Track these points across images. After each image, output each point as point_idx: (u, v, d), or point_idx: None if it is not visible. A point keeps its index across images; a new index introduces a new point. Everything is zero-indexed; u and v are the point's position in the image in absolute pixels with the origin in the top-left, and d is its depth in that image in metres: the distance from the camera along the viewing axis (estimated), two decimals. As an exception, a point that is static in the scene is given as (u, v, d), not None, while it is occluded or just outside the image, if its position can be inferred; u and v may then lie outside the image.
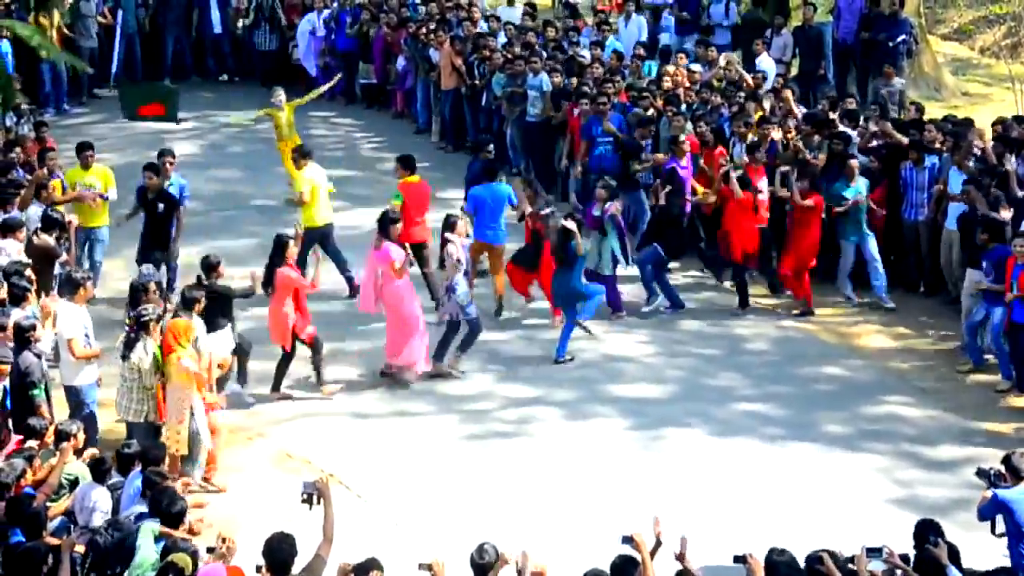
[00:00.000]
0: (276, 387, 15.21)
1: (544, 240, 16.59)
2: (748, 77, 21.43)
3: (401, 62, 24.89)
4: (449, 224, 15.87)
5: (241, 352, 15.02)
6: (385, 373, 15.66)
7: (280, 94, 20.72)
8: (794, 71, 23.56)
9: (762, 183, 17.64)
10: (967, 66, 27.31)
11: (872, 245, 17.47)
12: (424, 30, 24.14)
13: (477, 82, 22.80)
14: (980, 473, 11.12)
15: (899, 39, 22.62)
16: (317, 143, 23.71)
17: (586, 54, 22.29)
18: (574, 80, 21.00)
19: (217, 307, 14.28)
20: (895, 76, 21.01)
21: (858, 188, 17.35)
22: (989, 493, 10.88)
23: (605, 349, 16.36)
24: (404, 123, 25.30)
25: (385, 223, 15.56)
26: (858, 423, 14.82)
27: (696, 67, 21.80)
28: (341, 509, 10.31)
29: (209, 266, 14.69)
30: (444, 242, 15.85)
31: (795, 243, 17.43)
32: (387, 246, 15.38)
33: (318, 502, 9.84)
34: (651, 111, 19.78)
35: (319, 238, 17.11)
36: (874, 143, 18.39)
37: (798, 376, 15.94)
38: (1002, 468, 11.01)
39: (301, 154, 17.81)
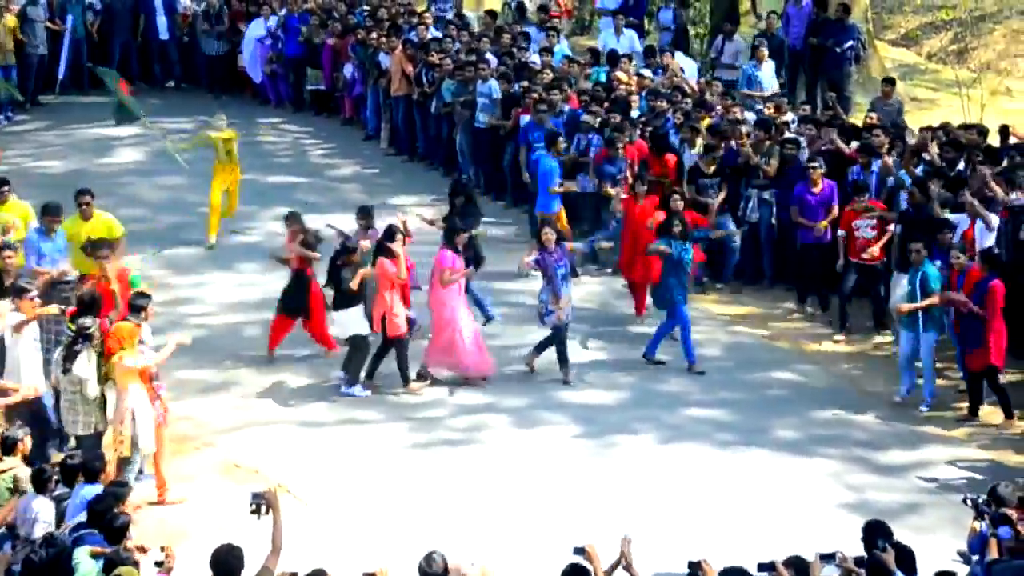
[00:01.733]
0: (405, 381, 15.53)
1: (311, 280, 15.99)
2: (692, 83, 21.47)
3: (349, 69, 24.76)
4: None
5: (358, 345, 15.36)
6: (421, 375, 15.72)
7: (221, 119, 19.67)
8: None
9: (862, 223, 16.74)
10: (914, 71, 27.46)
11: (930, 347, 15.10)
12: (374, 35, 24.01)
13: (427, 88, 22.69)
14: (967, 502, 10.84)
15: (847, 45, 22.69)
16: (266, 149, 23.67)
17: (536, 59, 22.23)
18: (524, 84, 20.92)
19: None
20: (893, 94, 20.93)
21: (913, 285, 15.00)
22: (979, 526, 10.49)
23: (556, 356, 16.25)
24: (353, 129, 25.19)
25: (451, 234, 15.75)
26: (809, 428, 14.80)
27: (646, 72, 21.82)
28: (289, 519, 10.19)
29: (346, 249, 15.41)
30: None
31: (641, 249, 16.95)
32: (444, 253, 15.54)
33: (267, 512, 9.74)
34: (598, 119, 19.73)
35: None
36: (822, 147, 18.42)
37: (749, 382, 15.92)
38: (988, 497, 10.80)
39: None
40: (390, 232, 15.51)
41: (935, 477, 13.71)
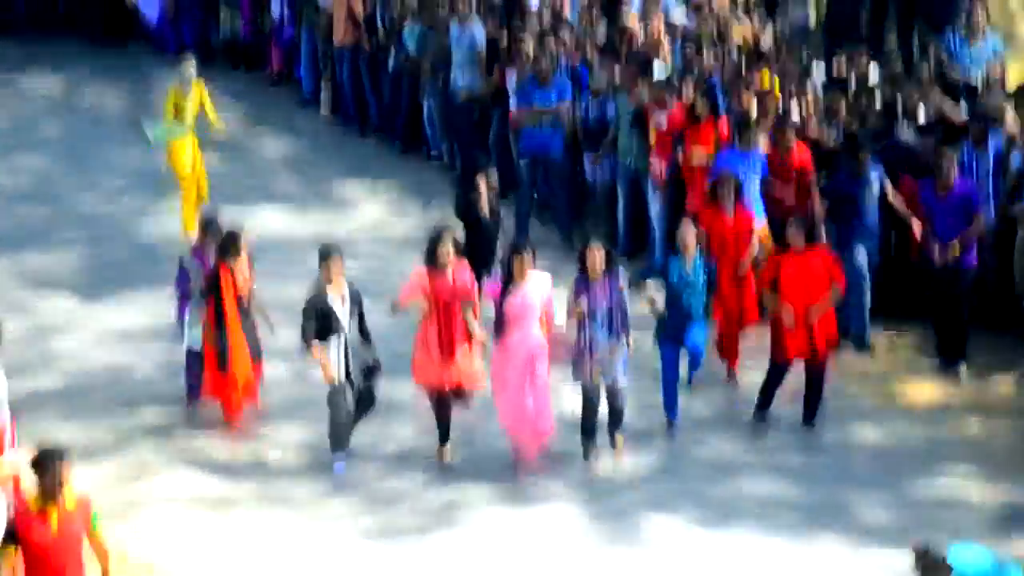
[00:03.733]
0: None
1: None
2: (745, 30, 21.53)
3: (276, 8, 24.84)
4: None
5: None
6: None
7: (191, 66, 19.71)
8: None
9: None
10: (1050, 11, 27.58)
11: None
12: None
13: (382, 36, 22.74)
14: None
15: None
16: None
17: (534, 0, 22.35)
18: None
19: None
20: None
21: None
22: None
23: (557, 404, 16.33)
24: (284, 90, 25.27)
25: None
26: (906, 507, 14.86)
27: (679, 14, 21.83)
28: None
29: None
30: None
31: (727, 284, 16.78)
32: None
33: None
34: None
35: None
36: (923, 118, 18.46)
37: (824, 443, 16.01)
38: None
39: None
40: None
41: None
